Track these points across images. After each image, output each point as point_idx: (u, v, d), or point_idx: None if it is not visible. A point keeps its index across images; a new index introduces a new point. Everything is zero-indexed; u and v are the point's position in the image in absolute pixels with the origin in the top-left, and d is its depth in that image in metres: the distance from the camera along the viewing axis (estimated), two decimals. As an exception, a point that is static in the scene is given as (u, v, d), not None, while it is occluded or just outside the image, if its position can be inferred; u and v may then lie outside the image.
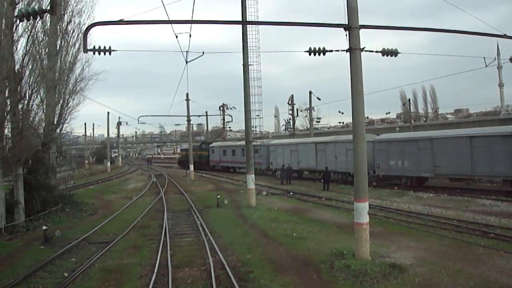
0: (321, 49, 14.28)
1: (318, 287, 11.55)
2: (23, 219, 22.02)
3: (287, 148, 46.36)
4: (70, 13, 27.70)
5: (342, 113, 66.48)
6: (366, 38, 12.88)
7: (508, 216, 20.18)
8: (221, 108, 75.54)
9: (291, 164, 43.37)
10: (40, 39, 24.96)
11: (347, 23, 13.36)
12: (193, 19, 13.99)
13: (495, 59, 17.98)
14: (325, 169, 37.72)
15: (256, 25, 25.82)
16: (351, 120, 14.47)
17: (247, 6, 25.08)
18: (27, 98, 22.89)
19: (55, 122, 27.82)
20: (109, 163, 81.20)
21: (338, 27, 13.55)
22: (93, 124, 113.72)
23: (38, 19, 16.83)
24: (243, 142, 51.57)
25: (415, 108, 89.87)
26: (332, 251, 14.32)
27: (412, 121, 65.28)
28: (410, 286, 11.04)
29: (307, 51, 14.33)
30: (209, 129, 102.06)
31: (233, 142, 66.12)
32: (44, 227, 18.43)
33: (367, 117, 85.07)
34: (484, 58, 17.10)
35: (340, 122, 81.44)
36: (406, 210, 23.12)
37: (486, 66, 17.50)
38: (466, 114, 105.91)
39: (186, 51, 25.53)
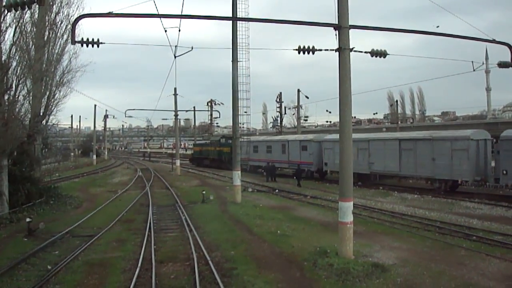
0: (311, 48, 14.30)
1: (301, 284, 11.60)
2: (7, 211, 21.83)
3: (352, 145, 36.82)
4: (59, 4, 27.53)
5: (330, 112, 66.65)
6: (355, 39, 12.94)
7: (490, 219, 20.42)
8: (209, 104, 75.58)
9: (359, 166, 33.91)
10: (28, 30, 24.74)
11: (337, 22, 13.40)
12: (183, 13, 13.94)
13: (483, 63, 18.08)
14: (297, 167, 38.50)
15: (246, 22, 25.82)
16: (338, 119, 14.53)
17: (237, 2, 25.10)
18: (14, 89, 22.70)
19: (41, 114, 27.61)
20: (94, 156, 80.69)
21: (328, 26, 13.56)
22: (80, 117, 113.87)
23: (26, 10, 16.63)
24: (283, 137, 49.38)
25: (402, 109, 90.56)
26: (315, 250, 14.39)
27: (399, 122, 65.74)
28: (392, 286, 11.13)
29: (296, 50, 14.33)
30: (197, 124, 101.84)
31: (268, 137, 55.92)
32: (28, 219, 18.26)
33: (354, 117, 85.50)
34: (472, 62, 17.25)
35: (327, 121, 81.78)
36: (390, 210, 23.28)
37: (474, 70, 17.64)
38: (452, 116, 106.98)
39: (175, 46, 25.36)
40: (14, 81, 22.71)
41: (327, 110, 65.17)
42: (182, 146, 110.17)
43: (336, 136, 41.58)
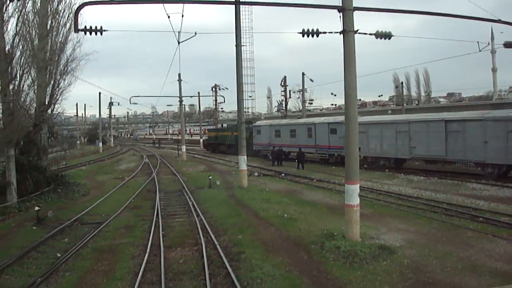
0: (315, 30, 14.22)
1: (309, 267, 11.68)
2: (15, 200, 21.99)
3: (390, 128, 32.86)
4: (61, -7, 27.33)
5: (335, 95, 66.51)
6: (360, 21, 12.86)
7: (497, 200, 20.32)
8: (213, 89, 75.40)
9: (399, 150, 31.93)
10: (31, 19, 24.67)
11: (341, 4, 13.30)
12: (186, -1, 13.88)
13: (488, 43, 17.95)
14: (299, 150, 37.92)
15: (249, 6, 25.69)
16: (343, 102, 14.48)
17: (240, -14, 24.89)
18: (18, 78, 22.68)
19: (47, 103, 27.63)
20: (101, 144, 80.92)
21: (332, 8, 13.44)
22: (85, 105, 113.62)
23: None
24: (309, 120, 45.49)
25: (407, 91, 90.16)
26: (322, 232, 14.46)
27: (405, 104, 65.45)
28: (399, 268, 11.18)
29: (300, 33, 14.26)
30: (202, 109, 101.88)
31: (291, 120, 51.38)
32: (36, 208, 18.43)
33: (360, 100, 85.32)
34: (478, 42, 17.13)
35: (332, 104, 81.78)
36: (397, 192, 23.22)
37: (480, 51, 17.51)
38: (458, 98, 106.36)
39: (178, 32, 25.42)
40: (19, 71, 22.69)
41: (332, 93, 65.03)
42: (188, 131, 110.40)
43: (370, 118, 38.48)
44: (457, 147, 27.88)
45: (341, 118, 37.64)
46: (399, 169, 31.77)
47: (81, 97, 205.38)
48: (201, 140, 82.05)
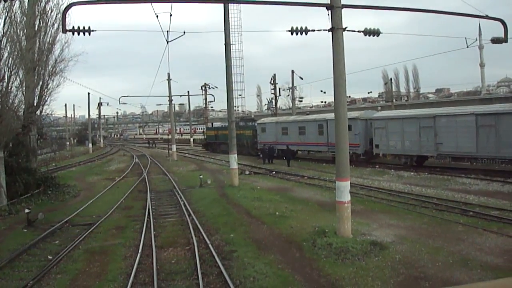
0: (303, 28, 14.24)
1: (301, 264, 11.72)
2: (5, 202, 21.84)
3: (413, 123, 30.30)
4: (48, -7, 27.17)
5: (324, 92, 66.43)
6: (347, 19, 12.88)
7: (487, 194, 20.47)
8: (203, 88, 75.24)
9: (423, 147, 29.53)
10: (18, 20, 24.53)
11: (329, 2, 13.33)
12: (174, -2, 13.83)
13: (476, 39, 18.00)
14: (286, 147, 38.28)
15: (237, 4, 25.67)
16: (333, 100, 14.52)
17: (228, -15, 24.86)
18: (6, 80, 22.55)
19: (35, 104, 27.48)
20: (90, 145, 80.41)
21: (321, 6, 13.48)
22: (74, 105, 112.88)
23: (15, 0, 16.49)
24: (320, 116, 42.47)
25: (396, 87, 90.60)
26: (314, 230, 14.50)
27: (394, 101, 65.72)
28: (391, 263, 11.23)
29: (289, 31, 14.27)
30: (191, 109, 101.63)
31: (299, 117, 48.70)
32: (26, 210, 18.26)
33: (349, 96, 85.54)
34: (466, 38, 17.19)
35: (322, 101, 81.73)
36: (387, 188, 23.31)
37: (468, 47, 17.54)
38: (447, 93, 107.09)
39: (167, 31, 25.25)
40: (7, 72, 22.56)
41: (321, 91, 64.70)
42: (178, 131, 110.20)
43: (390, 112, 36.77)
44: (489, 143, 25.55)
45: (355, 114, 35.90)
46: (422, 167, 30.46)
47: (70, 97, 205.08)
48: (192, 139, 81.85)
